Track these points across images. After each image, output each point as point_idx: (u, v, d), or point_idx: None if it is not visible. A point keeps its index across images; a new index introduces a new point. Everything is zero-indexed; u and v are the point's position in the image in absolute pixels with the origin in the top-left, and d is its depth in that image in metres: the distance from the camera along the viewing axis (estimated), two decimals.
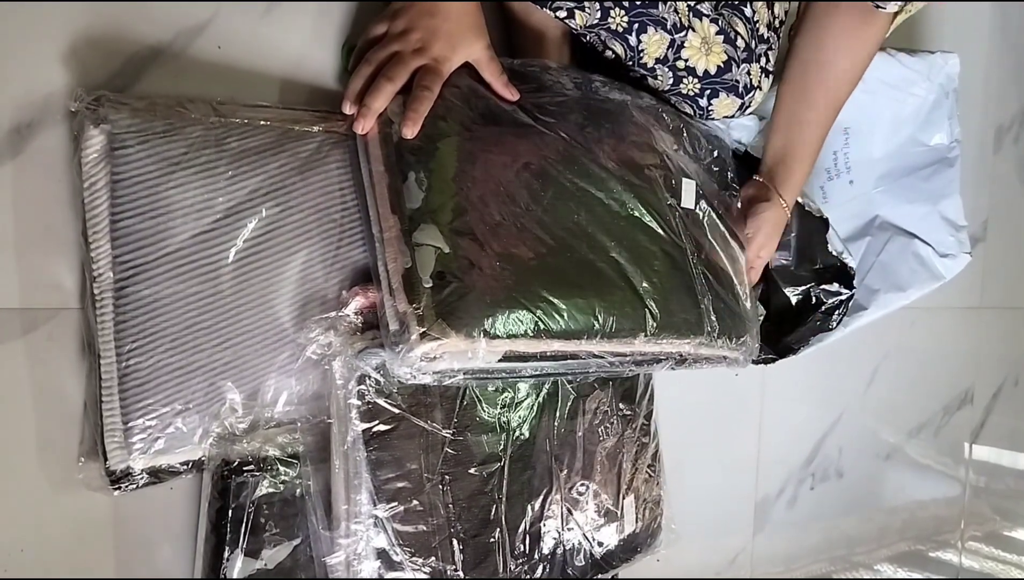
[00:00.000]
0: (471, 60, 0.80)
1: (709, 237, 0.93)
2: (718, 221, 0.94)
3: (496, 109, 0.80)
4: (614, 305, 0.80)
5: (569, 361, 0.79)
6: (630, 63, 0.87)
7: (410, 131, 0.74)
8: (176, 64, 0.77)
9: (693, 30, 0.87)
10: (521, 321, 0.73)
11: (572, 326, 0.76)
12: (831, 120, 0.98)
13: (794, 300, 1.10)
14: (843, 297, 1.09)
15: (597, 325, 0.78)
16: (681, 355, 0.88)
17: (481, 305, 0.71)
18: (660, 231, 0.86)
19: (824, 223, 1.07)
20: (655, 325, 0.83)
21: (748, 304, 0.96)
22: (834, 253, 1.08)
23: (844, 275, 1.09)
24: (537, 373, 0.79)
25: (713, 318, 0.89)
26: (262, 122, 0.75)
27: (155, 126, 0.70)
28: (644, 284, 0.82)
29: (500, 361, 0.74)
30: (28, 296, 0.72)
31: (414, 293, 0.70)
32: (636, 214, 0.85)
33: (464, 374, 0.74)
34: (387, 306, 0.72)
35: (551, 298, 0.75)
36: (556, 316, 0.75)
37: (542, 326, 0.74)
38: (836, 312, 1.10)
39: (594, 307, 0.78)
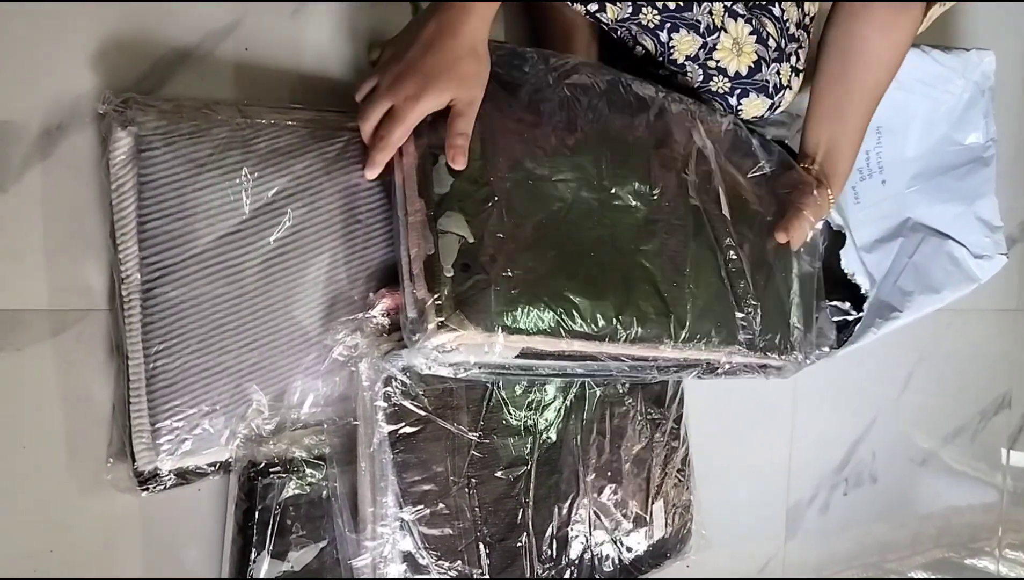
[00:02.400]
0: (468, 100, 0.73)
1: (751, 238, 0.91)
2: (763, 221, 0.92)
3: (530, 103, 0.79)
4: (638, 309, 0.78)
5: (588, 362, 0.78)
6: (660, 59, 0.86)
7: (460, 164, 0.71)
8: (203, 66, 0.77)
9: (726, 31, 0.86)
10: (541, 318, 0.72)
11: (593, 328, 0.75)
12: (873, 110, 0.97)
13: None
14: (850, 318, 1.07)
15: (620, 329, 0.77)
16: (710, 363, 0.87)
17: (501, 299, 0.70)
18: (692, 235, 0.85)
19: (840, 238, 1.04)
20: (682, 332, 0.81)
21: (796, 309, 0.93)
22: (845, 272, 1.05)
23: (857, 295, 1.06)
24: (555, 372, 0.78)
25: (753, 326, 0.87)
26: (288, 123, 0.75)
27: (182, 128, 0.70)
28: (672, 289, 0.81)
29: (517, 357, 0.73)
30: (57, 298, 0.72)
31: (435, 281, 0.69)
32: (667, 218, 0.84)
33: (480, 368, 0.73)
34: (407, 292, 0.71)
35: (573, 298, 0.74)
36: (577, 316, 0.74)
37: (562, 325, 0.73)
38: (843, 331, 1.07)
39: (617, 310, 0.77)
